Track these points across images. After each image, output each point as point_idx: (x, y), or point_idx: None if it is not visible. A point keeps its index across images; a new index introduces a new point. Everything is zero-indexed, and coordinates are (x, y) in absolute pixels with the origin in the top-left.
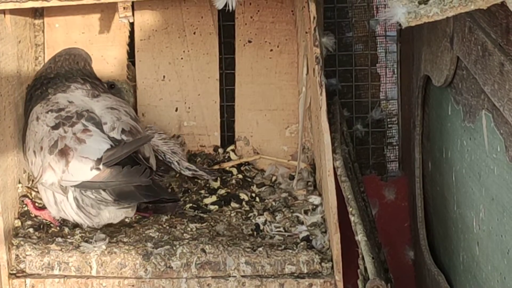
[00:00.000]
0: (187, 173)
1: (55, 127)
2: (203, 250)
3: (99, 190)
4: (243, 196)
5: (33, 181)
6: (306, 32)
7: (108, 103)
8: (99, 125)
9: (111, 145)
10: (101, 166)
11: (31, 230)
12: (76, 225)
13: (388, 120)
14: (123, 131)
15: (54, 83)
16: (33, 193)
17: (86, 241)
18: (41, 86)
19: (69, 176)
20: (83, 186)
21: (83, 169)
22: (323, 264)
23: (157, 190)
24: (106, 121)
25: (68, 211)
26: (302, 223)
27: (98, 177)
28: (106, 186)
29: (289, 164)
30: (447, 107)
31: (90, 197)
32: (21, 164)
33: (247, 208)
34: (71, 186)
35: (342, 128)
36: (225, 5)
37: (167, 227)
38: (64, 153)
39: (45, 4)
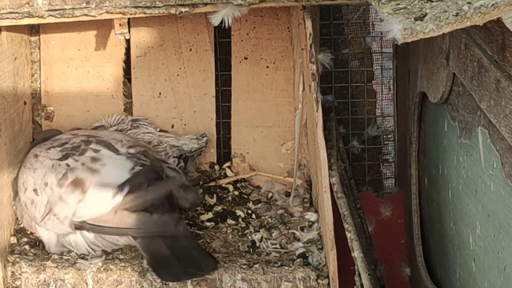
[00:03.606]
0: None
1: (62, 158)
2: None
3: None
4: (239, 212)
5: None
6: (302, 49)
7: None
8: (110, 146)
9: (131, 169)
10: (120, 197)
11: (27, 247)
12: None
13: (384, 136)
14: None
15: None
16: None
17: (82, 258)
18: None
19: (85, 207)
20: (103, 232)
21: (101, 199)
22: (319, 281)
23: (201, 264)
24: (122, 139)
25: (76, 243)
26: (299, 240)
27: (120, 221)
28: (134, 233)
29: (285, 181)
30: (443, 124)
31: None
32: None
33: (243, 225)
34: (87, 229)
35: (338, 145)
36: (221, 22)
37: None
38: (78, 183)
39: (41, 21)
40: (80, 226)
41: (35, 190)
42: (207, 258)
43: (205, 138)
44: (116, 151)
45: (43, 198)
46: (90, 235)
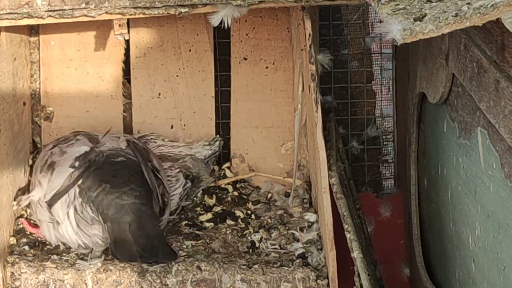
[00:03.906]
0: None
1: (51, 148)
2: (199, 268)
3: (99, 216)
4: (238, 213)
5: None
6: (302, 49)
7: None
8: (92, 138)
9: (90, 148)
10: (77, 164)
11: (26, 247)
12: None
13: (384, 137)
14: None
15: None
16: (28, 210)
17: (82, 259)
18: None
19: (51, 184)
20: (57, 197)
21: (62, 171)
22: (319, 281)
23: (158, 253)
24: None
25: (68, 233)
26: (298, 240)
27: (68, 181)
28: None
29: (285, 181)
30: (442, 124)
31: (90, 214)
32: (16, 181)
33: (243, 225)
34: (50, 202)
35: (338, 145)
36: (221, 22)
37: None
38: (50, 165)
39: (41, 21)
40: (50, 203)
41: (33, 183)
42: (167, 249)
43: (217, 142)
44: (96, 142)
45: (32, 186)
46: (74, 224)
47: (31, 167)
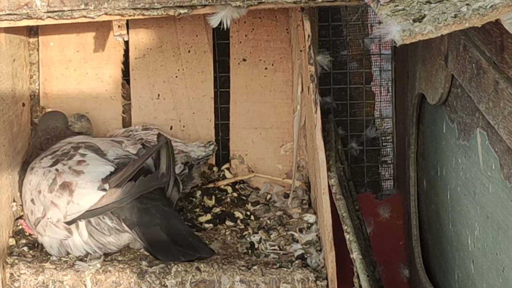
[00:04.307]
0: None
1: (52, 165)
2: (198, 269)
3: (121, 224)
4: (238, 214)
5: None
6: (301, 50)
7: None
8: (98, 151)
9: (115, 168)
10: (106, 186)
11: (25, 248)
12: None
13: (383, 138)
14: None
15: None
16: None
17: (81, 260)
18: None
19: (75, 206)
20: (94, 214)
21: (88, 193)
22: (318, 282)
23: (197, 248)
24: (123, 140)
25: (75, 244)
26: (297, 241)
27: (107, 199)
28: (121, 203)
29: (284, 182)
30: (441, 125)
31: (108, 224)
32: (15, 182)
33: (242, 227)
34: (79, 219)
35: (337, 146)
36: (220, 23)
37: None
38: (65, 186)
39: (40, 22)
40: (72, 221)
41: (32, 200)
42: (203, 245)
43: (212, 146)
44: (103, 155)
45: (40, 207)
46: (85, 235)
47: None
